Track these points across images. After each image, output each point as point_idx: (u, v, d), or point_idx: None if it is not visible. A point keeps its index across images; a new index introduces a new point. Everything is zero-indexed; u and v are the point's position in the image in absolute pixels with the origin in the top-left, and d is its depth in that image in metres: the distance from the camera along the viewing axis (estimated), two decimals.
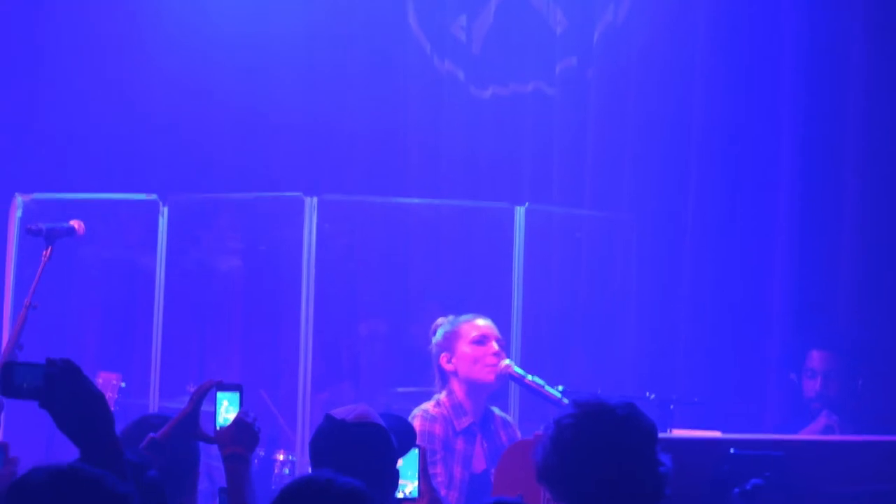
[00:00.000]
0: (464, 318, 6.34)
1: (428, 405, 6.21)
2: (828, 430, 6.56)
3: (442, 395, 6.23)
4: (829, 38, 7.33)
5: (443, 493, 5.94)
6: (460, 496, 6.05)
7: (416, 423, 6.04)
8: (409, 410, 6.20)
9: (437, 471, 6.00)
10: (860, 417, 6.63)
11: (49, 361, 3.13)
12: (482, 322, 6.31)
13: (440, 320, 6.38)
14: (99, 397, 3.13)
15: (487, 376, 6.16)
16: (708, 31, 7.71)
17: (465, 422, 6.17)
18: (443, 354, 6.25)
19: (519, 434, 6.27)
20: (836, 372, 6.73)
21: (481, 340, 6.22)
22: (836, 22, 7.31)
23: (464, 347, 6.21)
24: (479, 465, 6.15)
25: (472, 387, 6.20)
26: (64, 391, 3.10)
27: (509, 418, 6.43)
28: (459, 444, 6.14)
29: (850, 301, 7.09)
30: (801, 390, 6.80)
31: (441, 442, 6.08)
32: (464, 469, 6.11)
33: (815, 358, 6.77)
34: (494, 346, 6.22)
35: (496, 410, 6.35)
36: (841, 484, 4.60)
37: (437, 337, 6.31)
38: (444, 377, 6.28)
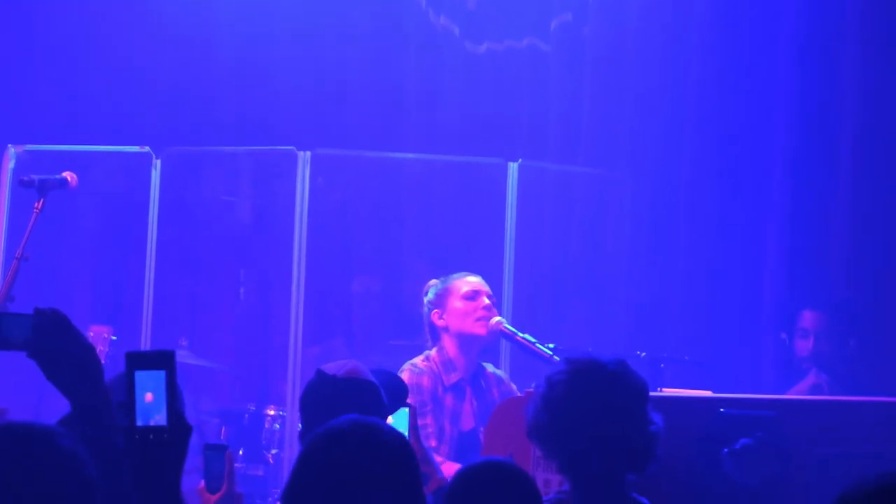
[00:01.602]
0: (455, 276, 6.39)
1: (417, 359, 6.24)
2: (816, 388, 6.57)
3: (432, 351, 6.25)
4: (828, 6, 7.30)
5: (433, 443, 5.96)
6: (450, 451, 6.07)
7: (405, 377, 6.06)
8: (401, 365, 6.21)
9: (428, 421, 6.03)
10: (852, 377, 6.64)
11: (37, 311, 3.09)
12: (473, 279, 6.36)
13: (432, 282, 6.41)
14: (88, 348, 3.10)
15: (479, 329, 6.20)
16: None
17: (454, 377, 6.19)
18: (434, 311, 6.29)
19: (514, 388, 6.28)
20: (828, 332, 6.73)
21: (472, 296, 6.26)
22: None
23: (455, 302, 6.25)
24: (467, 423, 6.17)
25: (464, 341, 6.22)
26: (52, 341, 3.06)
27: (503, 374, 6.44)
28: (448, 399, 6.15)
29: (842, 261, 7.09)
30: (792, 350, 6.81)
31: (429, 394, 6.11)
32: (452, 425, 6.13)
33: (807, 317, 6.78)
34: (485, 300, 6.26)
35: (489, 367, 6.36)
36: (832, 444, 4.60)
37: (429, 296, 6.35)
38: (436, 335, 6.31)
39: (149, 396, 2.83)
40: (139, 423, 2.82)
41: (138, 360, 2.85)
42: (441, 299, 6.30)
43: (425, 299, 6.37)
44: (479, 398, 6.22)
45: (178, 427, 2.83)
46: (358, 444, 2.92)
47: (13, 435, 2.65)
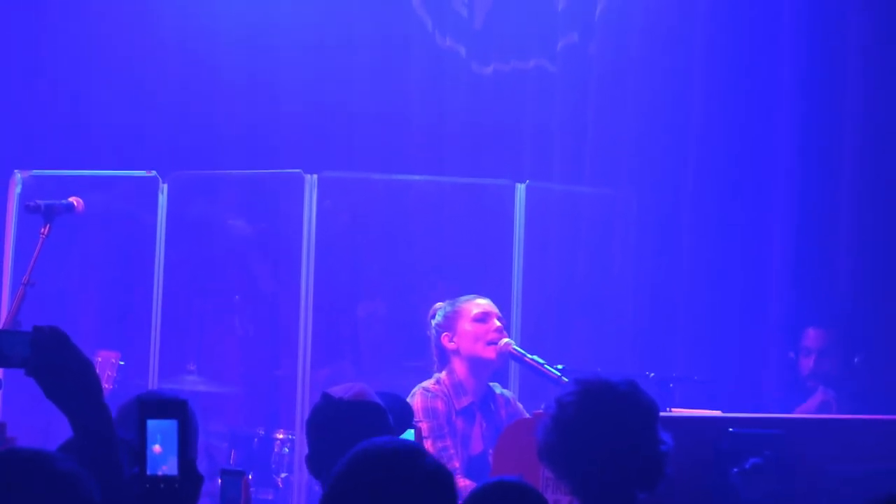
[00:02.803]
0: (463, 298, 6.36)
1: (428, 383, 6.21)
2: (824, 405, 6.56)
3: (442, 374, 6.22)
4: (830, 11, 7.29)
5: (456, 464, 5.94)
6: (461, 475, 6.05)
7: (417, 400, 6.04)
8: (411, 388, 6.19)
9: (448, 443, 6.00)
10: (859, 395, 6.62)
11: (36, 329, 3.08)
12: (482, 301, 6.33)
13: (438, 304, 6.40)
14: (87, 364, 3.09)
15: (489, 353, 6.17)
16: (709, 7, 7.68)
17: (464, 401, 6.17)
18: (444, 334, 6.26)
19: (522, 408, 6.26)
20: (832, 349, 6.72)
21: (483, 318, 6.23)
22: None
23: (465, 325, 6.22)
24: (476, 446, 6.15)
25: (474, 364, 6.20)
26: (51, 358, 3.05)
27: (510, 395, 6.42)
28: (459, 423, 6.14)
29: (848, 277, 7.07)
30: (798, 368, 6.80)
31: (445, 417, 6.07)
32: (462, 449, 6.11)
33: (811, 336, 6.77)
34: (496, 322, 6.22)
35: (496, 387, 6.34)
36: (840, 462, 4.60)
37: (437, 319, 6.33)
38: (444, 358, 6.28)
39: (157, 448, 2.83)
40: (149, 472, 2.82)
41: (151, 409, 2.86)
42: (451, 322, 6.27)
43: (433, 322, 6.34)
44: (489, 421, 6.20)
45: (189, 477, 2.82)
46: (401, 466, 2.94)
47: (12, 460, 2.65)
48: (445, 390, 6.16)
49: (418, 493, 2.94)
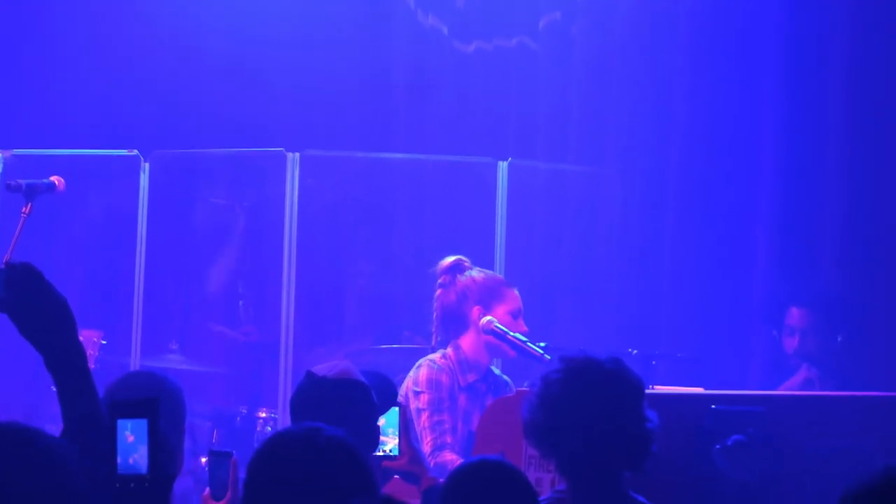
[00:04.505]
0: (501, 279, 6.24)
1: (434, 356, 6.11)
2: (807, 383, 6.58)
3: (448, 349, 6.14)
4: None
5: (448, 440, 5.91)
6: (460, 451, 6.00)
7: (423, 371, 6.00)
8: (391, 367, 6.17)
9: (444, 417, 5.96)
10: (841, 373, 6.64)
11: (9, 266, 3.06)
12: (517, 294, 6.18)
13: (460, 259, 6.23)
14: (61, 301, 3.07)
15: (511, 352, 6.06)
16: None
17: (470, 378, 6.09)
18: (477, 307, 6.11)
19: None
20: (815, 328, 6.72)
21: (517, 315, 6.11)
22: None
23: (501, 313, 6.07)
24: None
25: (489, 351, 6.12)
26: (24, 295, 3.03)
27: (508, 380, 6.33)
28: (462, 399, 6.07)
29: (832, 257, 7.08)
30: (782, 347, 6.81)
31: (447, 391, 6.02)
32: (464, 425, 6.07)
33: (794, 315, 6.77)
34: (524, 326, 6.11)
35: (496, 371, 6.29)
36: (823, 439, 4.60)
37: (473, 277, 6.15)
38: (460, 324, 6.12)
39: (128, 441, 2.81)
40: (119, 471, 2.80)
41: (121, 408, 2.83)
42: (489, 298, 6.10)
43: (461, 277, 6.15)
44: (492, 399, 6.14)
45: (158, 477, 2.81)
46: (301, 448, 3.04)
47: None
48: (451, 365, 6.09)
49: (321, 471, 3.00)
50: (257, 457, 3.09)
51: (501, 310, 6.10)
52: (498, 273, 7.10)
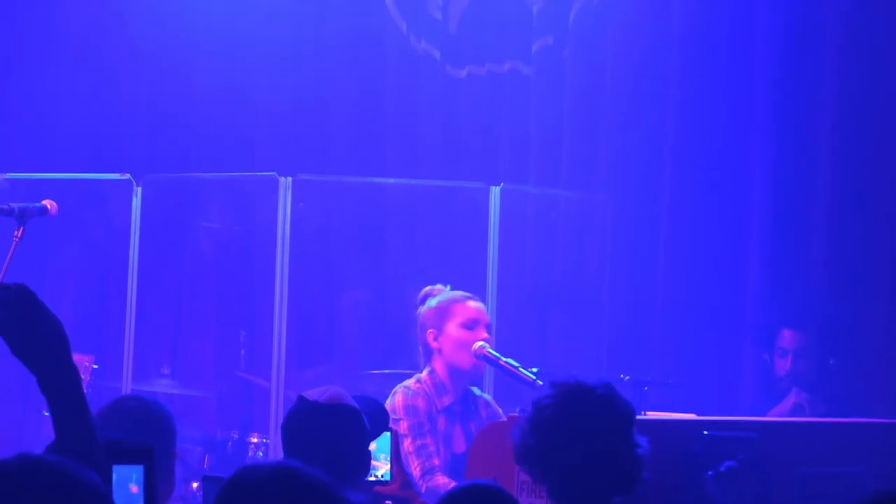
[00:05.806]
0: (458, 295, 6.22)
1: (409, 382, 6.14)
2: (797, 408, 6.57)
3: (423, 374, 6.17)
4: (806, 14, 7.29)
5: (436, 462, 5.91)
6: (445, 474, 6.01)
7: (398, 399, 6.01)
8: (385, 392, 6.17)
9: (427, 441, 5.96)
10: (833, 397, 6.64)
11: (2, 286, 3.06)
12: (474, 305, 6.19)
13: (430, 288, 6.27)
14: (56, 322, 3.07)
15: (466, 363, 6.10)
16: (685, 9, 7.67)
17: (445, 400, 6.11)
18: (430, 331, 6.15)
19: (500, 411, 6.23)
20: (807, 351, 6.72)
21: (471, 325, 6.11)
22: None
23: (452, 328, 6.10)
24: (459, 445, 6.11)
25: (452, 369, 6.15)
26: (18, 315, 3.03)
27: (489, 398, 6.38)
28: (441, 422, 6.09)
29: (823, 280, 7.08)
30: (773, 370, 6.81)
31: (426, 415, 6.02)
32: (445, 448, 6.08)
33: (786, 337, 6.77)
34: (483, 332, 6.13)
35: (475, 391, 6.31)
36: (814, 465, 4.61)
37: (429, 306, 6.19)
38: (428, 352, 6.20)
39: (134, 489, 2.82)
40: None
41: (117, 454, 2.84)
42: (439, 319, 6.13)
43: (421, 308, 6.22)
44: (471, 421, 6.17)
45: None
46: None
47: (33, 468, 2.61)
48: (427, 389, 6.11)
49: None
50: (222, 494, 3.06)
51: (452, 325, 6.11)
52: (489, 298, 7.12)
